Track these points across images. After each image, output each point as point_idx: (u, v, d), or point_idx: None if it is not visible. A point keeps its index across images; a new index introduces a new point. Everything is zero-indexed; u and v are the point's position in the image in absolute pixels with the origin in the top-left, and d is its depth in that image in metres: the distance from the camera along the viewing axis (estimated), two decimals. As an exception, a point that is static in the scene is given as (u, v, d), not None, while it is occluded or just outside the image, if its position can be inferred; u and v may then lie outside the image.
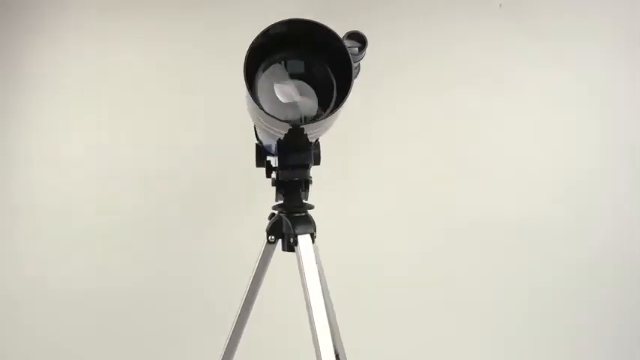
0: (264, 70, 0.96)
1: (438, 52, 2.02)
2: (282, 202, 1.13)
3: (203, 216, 2.05)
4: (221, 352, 1.33)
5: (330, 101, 0.96)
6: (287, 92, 0.96)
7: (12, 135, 2.09)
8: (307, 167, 1.09)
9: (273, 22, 0.89)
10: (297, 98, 0.97)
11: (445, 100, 2.02)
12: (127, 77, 2.07)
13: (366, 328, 1.88)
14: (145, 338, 2.04)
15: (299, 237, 1.06)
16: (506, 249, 2.00)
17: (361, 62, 0.99)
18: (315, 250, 1.09)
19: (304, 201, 1.13)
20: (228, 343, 1.31)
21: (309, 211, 1.13)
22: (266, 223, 1.20)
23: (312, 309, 1.00)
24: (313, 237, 1.08)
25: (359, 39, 0.93)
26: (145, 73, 2.07)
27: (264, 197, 1.21)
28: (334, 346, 1.24)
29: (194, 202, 2.05)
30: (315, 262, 1.04)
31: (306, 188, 1.12)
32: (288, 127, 0.93)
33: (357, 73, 0.99)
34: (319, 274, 1.05)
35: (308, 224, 1.09)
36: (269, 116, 0.90)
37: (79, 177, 2.06)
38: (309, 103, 0.98)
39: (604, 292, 1.98)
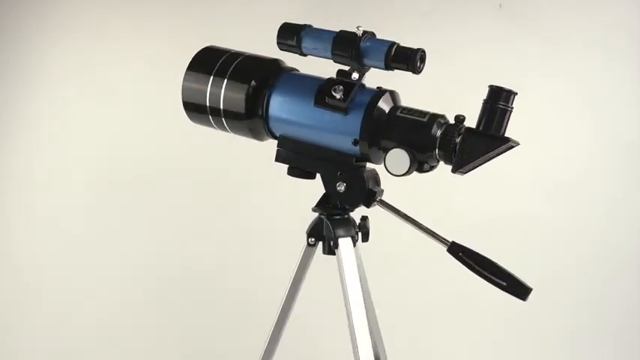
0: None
1: (438, 51, 2.01)
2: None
3: (207, 212, 2.05)
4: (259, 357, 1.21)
5: None
6: None
7: (11, 134, 2.10)
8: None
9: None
10: None
11: (444, 100, 2.01)
12: (128, 76, 2.07)
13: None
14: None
15: (340, 240, 1.03)
16: (505, 248, 1.99)
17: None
18: (357, 252, 1.07)
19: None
20: (265, 349, 1.19)
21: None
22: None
23: (352, 314, 0.99)
24: (354, 240, 1.06)
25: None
26: (146, 71, 2.08)
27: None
28: (375, 351, 1.18)
29: (198, 202, 2.05)
30: (355, 265, 1.02)
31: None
32: None
33: None
34: (360, 277, 1.03)
35: (349, 227, 1.06)
36: None
37: (80, 176, 2.07)
38: None
39: (602, 291, 1.97)
